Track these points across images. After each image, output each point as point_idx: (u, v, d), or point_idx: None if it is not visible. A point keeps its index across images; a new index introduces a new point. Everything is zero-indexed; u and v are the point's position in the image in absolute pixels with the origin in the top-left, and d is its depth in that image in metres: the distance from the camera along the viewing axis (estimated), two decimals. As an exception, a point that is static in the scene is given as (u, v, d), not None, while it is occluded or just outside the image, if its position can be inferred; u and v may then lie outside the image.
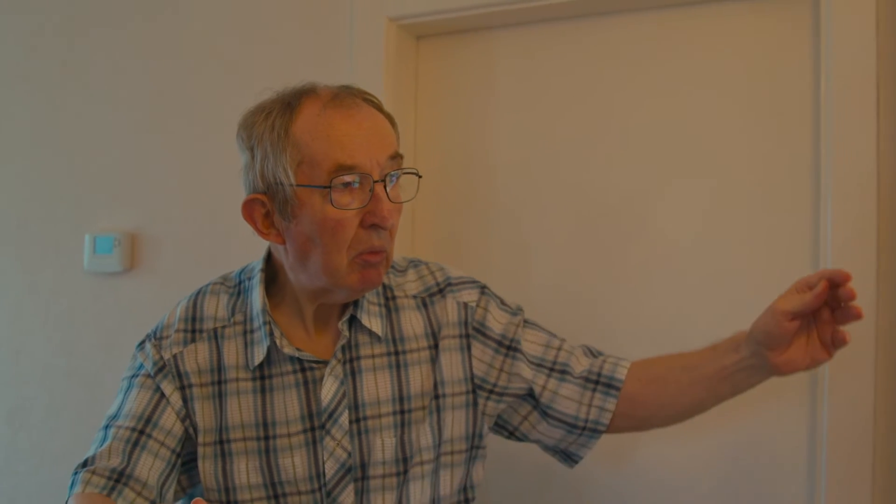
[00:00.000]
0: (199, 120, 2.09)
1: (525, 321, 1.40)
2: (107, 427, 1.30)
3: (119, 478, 1.23)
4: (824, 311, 1.18)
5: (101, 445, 1.27)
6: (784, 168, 1.64)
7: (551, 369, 1.36)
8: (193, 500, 1.01)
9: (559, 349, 1.37)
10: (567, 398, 1.34)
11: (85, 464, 1.25)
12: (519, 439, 1.41)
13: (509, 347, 1.37)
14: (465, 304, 1.38)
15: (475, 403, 1.37)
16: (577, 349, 1.39)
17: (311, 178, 1.19)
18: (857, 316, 1.14)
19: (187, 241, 2.08)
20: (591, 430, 1.35)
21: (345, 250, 1.21)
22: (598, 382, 1.34)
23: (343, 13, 1.92)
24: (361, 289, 1.25)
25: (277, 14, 2.01)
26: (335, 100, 1.22)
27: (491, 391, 1.36)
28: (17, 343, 2.26)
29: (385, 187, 1.21)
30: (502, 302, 1.42)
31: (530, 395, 1.36)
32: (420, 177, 1.29)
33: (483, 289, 1.41)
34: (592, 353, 1.39)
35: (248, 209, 1.26)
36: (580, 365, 1.36)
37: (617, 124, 1.78)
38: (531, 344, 1.37)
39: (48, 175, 2.26)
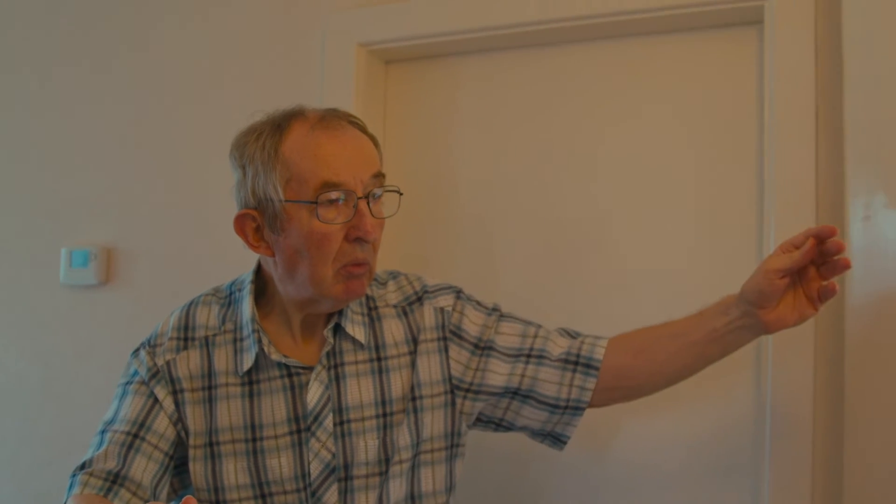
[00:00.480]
0: (174, 137, 2.16)
1: (501, 315, 1.49)
2: (103, 432, 1.38)
3: (115, 479, 1.31)
4: (809, 268, 1.29)
5: (98, 449, 1.35)
6: (730, 189, 1.75)
7: (528, 356, 1.44)
8: (184, 498, 1.08)
9: (535, 336, 1.46)
10: (546, 381, 1.42)
11: (83, 466, 1.33)
12: (507, 429, 1.49)
13: (485, 347, 1.45)
14: (442, 309, 1.46)
15: (453, 403, 1.45)
16: (553, 333, 1.47)
17: (298, 194, 1.29)
18: (846, 266, 1.25)
19: (162, 256, 2.15)
20: (573, 409, 1.43)
21: (330, 262, 1.30)
22: (578, 363, 1.42)
23: (315, 39, 2.01)
24: (346, 299, 1.34)
25: (252, 38, 2.09)
26: (322, 121, 1.31)
27: (468, 390, 1.44)
28: (-9, 354, 2.31)
29: (368, 203, 1.30)
30: (478, 303, 1.50)
31: (507, 392, 1.44)
32: (401, 194, 1.40)
33: (458, 293, 1.50)
34: (570, 335, 1.47)
35: (240, 223, 1.35)
36: (558, 347, 1.44)
37: (574, 146, 1.88)
38: (507, 337, 1.46)
39: (25, 190, 2.31)
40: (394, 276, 1.52)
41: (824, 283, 1.28)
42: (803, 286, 1.30)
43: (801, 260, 1.25)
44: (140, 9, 2.23)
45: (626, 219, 1.82)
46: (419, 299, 1.47)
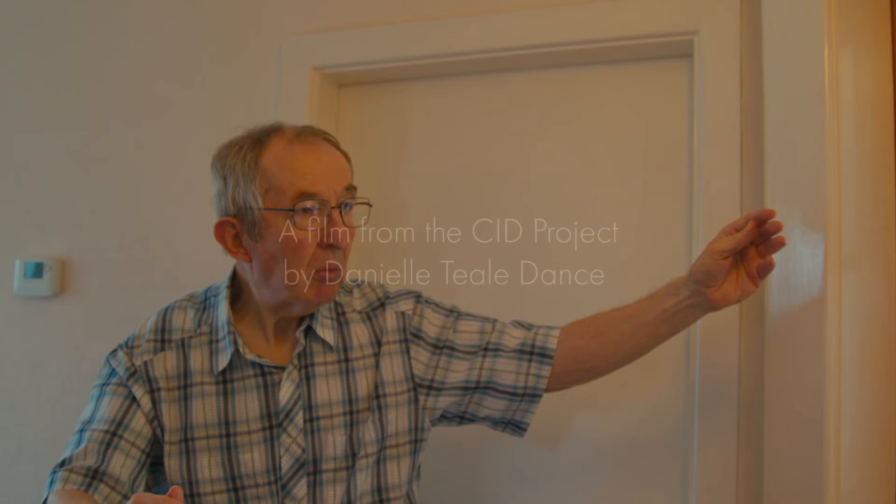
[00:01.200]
0: (129, 152, 2.23)
1: (459, 315, 1.60)
2: (81, 431, 1.45)
3: (95, 475, 1.39)
4: (749, 248, 1.42)
5: (77, 447, 1.42)
6: (663, 209, 1.88)
7: (486, 349, 1.54)
8: (172, 487, 1.15)
9: (491, 332, 1.56)
10: (504, 371, 1.53)
11: (62, 464, 1.40)
12: (470, 421, 1.59)
13: (444, 346, 1.56)
14: (403, 313, 1.57)
15: (416, 400, 1.54)
16: (509, 325, 1.58)
17: (276, 202, 1.39)
18: (781, 244, 1.37)
19: (115, 267, 2.21)
20: (530, 396, 1.53)
21: (304, 267, 1.41)
22: (533, 353, 1.53)
23: (271, 61, 2.10)
24: (318, 302, 1.44)
25: (209, 58, 2.18)
26: (299, 136, 1.43)
27: (430, 387, 1.54)
28: (-58, 365, 2.33)
29: (340, 213, 1.41)
30: (437, 305, 1.61)
31: (468, 386, 1.54)
32: (371, 206, 1.51)
33: (418, 297, 1.61)
34: (524, 326, 1.58)
35: (220, 230, 1.45)
36: (513, 339, 1.54)
37: (513, 168, 1.99)
38: (465, 335, 1.56)
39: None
40: (358, 284, 1.62)
41: (763, 260, 1.41)
42: (744, 265, 1.43)
43: (743, 240, 1.38)
44: (96, 27, 2.30)
45: (566, 234, 1.94)
46: (382, 305, 1.58)
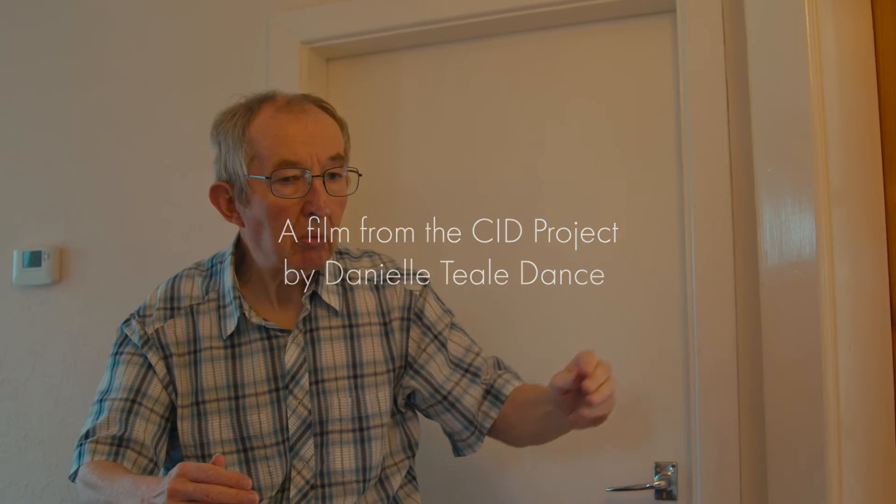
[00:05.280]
0: (123, 136, 2.24)
1: (453, 324, 1.63)
2: (101, 401, 1.49)
3: (120, 442, 1.42)
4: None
5: (99, 417, 1.46)
6: (650, 164, 1.91)
7: (466, 370, 1.58)
8: (215, 457, 1.15)
9: (477, 355, 1.60)
10: (472, 397, 1.56)
11: (87, 435, 1.44)
12: (428, 416, 1.62)
13: (436, 337, 1.59)
14: (411, 292, 1.59)
15: (400, 378, 1.57)
16: (490, 359, 1.61)
17: (259, 170, 1.42)
18: (589, 403, 1.25)
19: (113, 254, 2.22)
20: (478, 432, 1.56)
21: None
22: (490, 392, 1.56)
23: (259, 37, 2.12)
24: (304, 267, 1.46)
25: (198, 37, 2.19)
26: (288, 105, 1.45)
27: (411, 366, 1.57)
28: (-56, 358, 2.34)
29: (324, 182, 1.42)
30: (438, 298, 1.65)
31: (440, 393, 1.56)
32: (360, 175, 1.52)
33: (426, 282, 1.63)
34: (498, 366, 1.62)
35: (214, 194, 1.49)
36: (487, 373, 1.58)
37: (503, 131, 2.02)
38: (455, 345, 1.60)
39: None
40: (369, 254, 1.64)
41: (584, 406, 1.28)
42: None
43: (572, 385, 1.27)
44: (86, 8, 2.31)
45: (556, 196, 1.97)
46: (391, 279, 1.60)
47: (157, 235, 2.17)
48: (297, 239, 1.43)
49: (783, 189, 1.65)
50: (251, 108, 1.46)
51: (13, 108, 2.35)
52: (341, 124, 1.51)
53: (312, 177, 1.41)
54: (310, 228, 1.43)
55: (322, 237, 1.44)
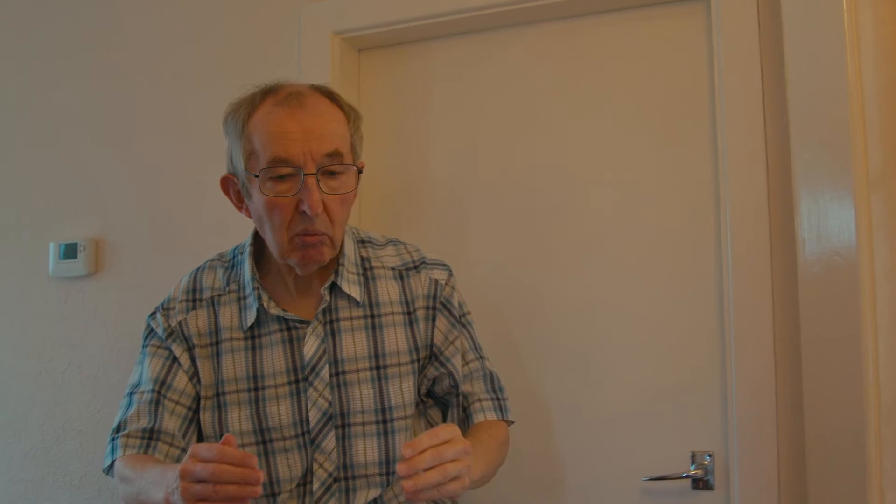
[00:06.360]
0: (156, 129, 2.25)
1: (469, 321, 1.61)
2: (131, 394, 1.51)
3: (151, 435, 1.45)
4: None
5: (128, 410, 1.48)
6: (685, 151, 1.89)
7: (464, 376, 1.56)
8: (224, 436, 1.19)
9: (467, 363, 1.57)
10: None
11: (118, 429, 1.47)
12: (444, 404, 1.59)
13: (465, 327, 1.58)
14: (436, 281, 1.57)
15: (424, 368, 1.55)
16: (480, 373, 1.57)
17: (254, 167, 1.41)
18: (404, 489, 1.20)
19: (148, 245, 2.24)
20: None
21: (284, 230, 1.42)
22: (466, 412, 1.55)
23: (292, 28, 2.12)
24: (304, 264, 1.45)
25: (231, 29, 2.20)
26: (287, 99, 1.42)
27: (437, 357, 1.55)
28: (-16, 349, 2.37)
29: (318, 179, 1.39)
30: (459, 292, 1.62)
31: (459, 388, 1.55)
32: (360, 171, 1.48)
33: (451, 272, 1.61)
34: (490, 389, 1.57)
35: (225, 185, 1.50)
36: (474, 388, 1.56)
37: (539, 120, 2.01)
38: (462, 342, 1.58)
39: (11, 186, 2.40)
40: (394, 242, 1.62)
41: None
42: None
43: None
44: (120, 1, 2.32)
45: (590, 186, 1.96)
46: (416, 267, 1.57)
47: (191, 227, 2.19)
48: (294, 236, 1.41)
49: (821, 175, 1.63)
50: (253, 101, 1.44)
51: (49, 102, 2.37)
52: (349, 116, 1.47)
53: (305, 175, 1.38)
54: (305, 226, 1.41)
55: (319, 234, 1.42)
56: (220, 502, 1.16)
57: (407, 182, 2.10)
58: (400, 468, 1.19)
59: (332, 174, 1.41)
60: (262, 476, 1.17)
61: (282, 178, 1.39)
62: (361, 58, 2.17)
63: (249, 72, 2.15)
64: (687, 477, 1.80)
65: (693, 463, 1.81)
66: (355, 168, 1.46)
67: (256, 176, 1.40)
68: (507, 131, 2.03)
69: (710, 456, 1.80)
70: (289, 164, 1.38)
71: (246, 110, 1.44)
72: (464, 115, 2.07)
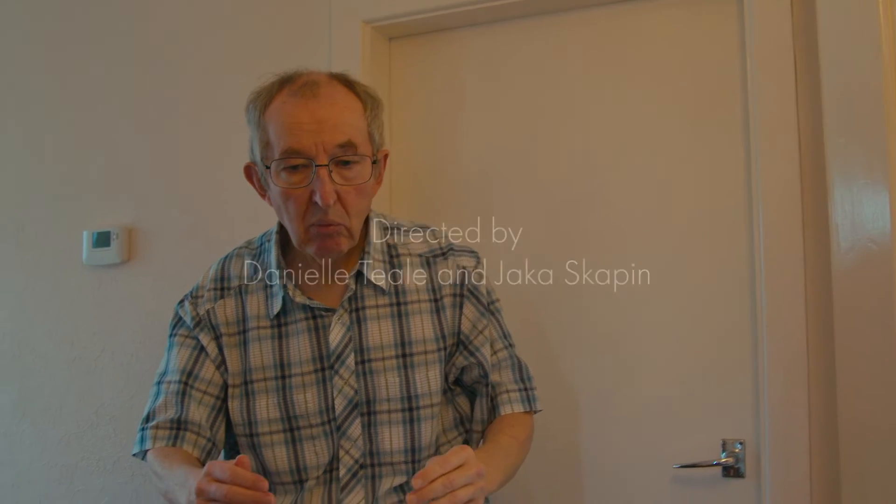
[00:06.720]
0: (187, 118, 2.27)
1: (497, 309, 1.59)
2: (159, 383, 1.53)
3: (179, 425, 1.47)
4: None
5: (157, 401, 1.50)
6: (716, 141, 1.88)
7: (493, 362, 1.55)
8: (238, 457, 1.20)
9: (504, 349, 1.57)
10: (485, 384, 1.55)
11: (147, 419, 1.49)
12: (472, 393, 1.58)
13: (494, 315, 1.57)
14: (464, 268, 1.55)
15: (451, 356, 1.54)
16: (508, 362, 1.57)
17: (270, 157, 1.41)
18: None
19: (180, 233, 2.26)
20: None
21: (300, 220, 1.41)
22: (493, 402, 1.54)
23: (322, 17, 2.13)
24: (321, 254, 1.45)
25: (261, 17, 2.21)
26: (301, 89, 1.41)
27: (465, 346, 1.54)
28: (19, 336, 2.40)
29: (329, 170, 1.38)
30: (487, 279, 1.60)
31: (488, 377, 1.54)
32: (375, 162, 1.46)
33: (479, 259, 1.59)
34: (516, 377, 1.56)
35: (248, 173, 1.51)
36: (503, 377, 1.55)
37: (570, 110, 2.01)
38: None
39: (44, 176, 2.42)
40: (422, 228, 1.60)
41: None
42: None
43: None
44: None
45: (621, 172, 1.95)
46: (443, 254, 1.56)
47: (223, 215, 2.20)
48: (310, 226, 1.41)
49: (855, 161, 1.62)
50: (270, 91, 1.44)
51: (81, 90, 2.40)
52: (366, 104, 1.46)
53: (317, 166, 1.38)
54: (319, 217, 1.40)
55: (335, 224, 1.41)
56: None
57: (437, 169, 2.10)
58: (410, 500, 1.19)
59: (346, 164, 1.41)
60: (274, 500, 1.18)
61: (295, 168, 1.39)
62: (392, 46, 2.18)
63: (280, 61, 2.12)
64: (718, 465, 1.80)
65: (724, 451, 1.81)
66: (369, 159, 1.44)
67: (269, 167, 1.41)
68: (537, 119, 2.03)
69: (741, 444, 1.79)
70: (301, 155, 1.38)
71: (263, 100, 1.44)
72: (494, 103, 2.07)
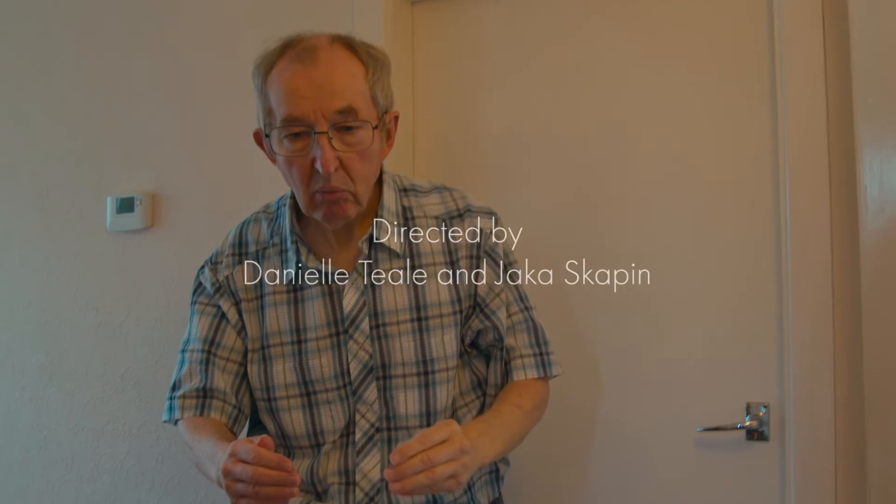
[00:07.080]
0: (209, 83, 2.27)
1: (515, 272, 1.56)
2: (183, 351, 1.55)
3: (205, 394, 1.49)
4: None
5: (182, 369, 1.53)
6: (742, 102, 1.87)
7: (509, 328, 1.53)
8: (261, 438, 1.21)
9: (511, 315, 1.54)
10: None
11: (174, 387, 1.52)
12: (487, 356, 1.57)
13: (511, 277, 1.54)
14: (481, 230, 1.52)
15: (468, 319, 1.52)
16: (523, 325, 1.54)
17: (272, 124, 1.40)
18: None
19: (203, 198, 2.27)
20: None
21: (305, 187, 1.40)
22: (507, 367, 1.52)
23: (344, -19, 2.11)
24: (328, 221, 1.43)
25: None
26: (301, 53, 1.38)
27: (481, 308, 1.52)
28: (45, 301, 2.43)
29: (329, 138, 1.36)
30: (509, 233, 1.58)
31: (503, 341, 1.52)
32: (375, 127, 1.41)
33: (497, 218, 1.56)
34: (531, 341, 1.54)
35: (257, 138, 1.50)
36: (518, 342, 1.53)
37: (595, 76, 1.99)
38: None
39: (67, 143, 2.43)
40: (439, 189, 1.58)
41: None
42: None
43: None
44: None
45: (645, 136, 1.94)
46: (460, 215, 1.53)
47: (245, 180, 2.20)
48: (315, 193, 1.40)
49: (884, 122, 1.60)
50: (272, 58, 1.41)
51: (104, 56, 2.40)
52: (369, 66, 1.42)
53: (316, 133, 1.36)
54: (322, 183, 1.38)
55: (339, 191, 1.39)
56: (260, 501, 1.21)
57: (461, 133, 2.09)
58: (388, 474, 1.20)
59: (347, 130, 1.38)
60: (299, 479, 1.20)
61: (296, 136, 1.37)
62: (415, 11, 2.16)
63: (304, 25, 2.08)
64: (742, 428, 1.80)
65: (748, 414, 1.81)
66: (370, 124, 1.41)
67: (268, 136, 1.41)
68: (560, 84, 2.02)
69: (765, 407, 1.79)
70: (300, 122, 1.36)
71: (265, 67, 1.42)
72: (517, 68, 2.06)
